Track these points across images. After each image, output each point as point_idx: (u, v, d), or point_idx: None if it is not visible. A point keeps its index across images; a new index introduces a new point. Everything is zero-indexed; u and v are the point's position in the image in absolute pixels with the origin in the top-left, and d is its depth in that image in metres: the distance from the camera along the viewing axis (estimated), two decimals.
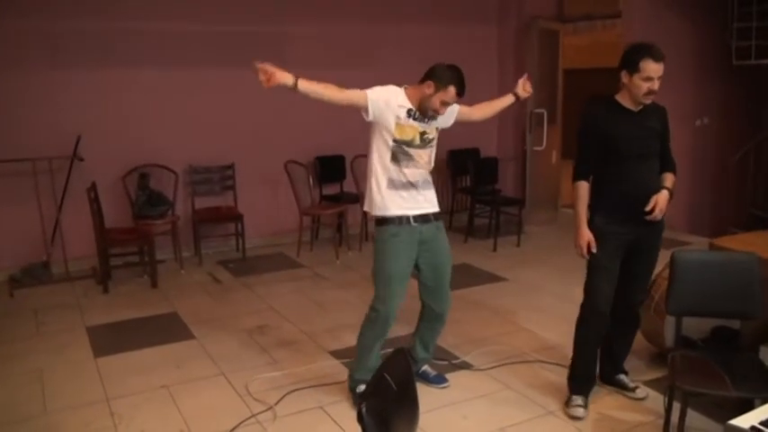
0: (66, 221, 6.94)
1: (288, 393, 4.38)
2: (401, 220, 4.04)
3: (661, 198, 3.84)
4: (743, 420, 2.19)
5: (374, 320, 4.14)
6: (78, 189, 6.71)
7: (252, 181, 7.86)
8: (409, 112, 3.98)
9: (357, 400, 4.19)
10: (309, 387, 4.47)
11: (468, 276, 6.87)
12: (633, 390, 4.28)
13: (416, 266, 4.19)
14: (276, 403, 4.26)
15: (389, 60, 7.98)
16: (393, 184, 4.01)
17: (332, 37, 7.91)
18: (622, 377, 4.34)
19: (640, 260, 4.03)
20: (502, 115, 9.01)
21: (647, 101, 3.85)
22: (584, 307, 4.08)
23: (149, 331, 5.54)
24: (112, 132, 7.09)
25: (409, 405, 2.36)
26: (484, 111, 4.52)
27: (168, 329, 5.57)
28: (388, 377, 2.25)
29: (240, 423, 4.03)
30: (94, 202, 6.44)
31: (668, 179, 3.98)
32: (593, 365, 4.16)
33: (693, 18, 8.00)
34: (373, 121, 3.99)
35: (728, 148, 8.36)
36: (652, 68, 3.73)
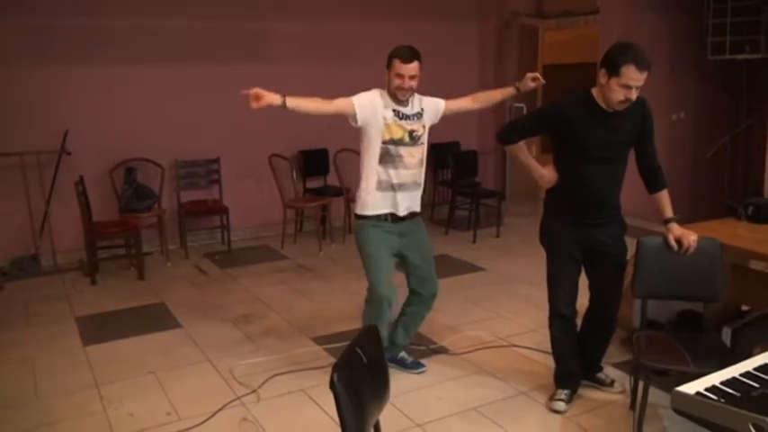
0: (54, 215, 7.06)
1: (271, 377, 4.54)
2: (379, 217, 4.25)
3: (685, 237, 3.75)
4: (689, 387, 2.34)
5: (371, 301, 4.33)
6: (66, 183, 6.84)
7: (237, 175, 8.01)
8: (395, 111, 4.16)
9: None
10: (292, 372, 4.63)
11: (447, 266, 7.03)
12: (610, 384, 4.30)
13: (402, 258, 4.38)
14: (260, 386, 4.42)
15: (372, 56, 8.05)
16: (380, 186, 4.21)
17: (316, 33, 8.04)
18: (599, 375, 4.36)
19: (605, 263, 3.97)
20: (483, 110, 9.23)
21: (620, 108, 3.65)
22: (549, 310, 4.14)
23: (137, 321, 5.68)
24: (99, 127, 7.21)
25: (379, 378, 2.53)
26: (482, 101, 4.58)
27: (155, 319, 5.71)
28: (360, 351, 2.41)
29: (225, 405, 4.19)
30: (82, 195, 6.57)
31: (667, 205, 3.91)
32: (571, 362, 4.18)
33: (670, 14, 8.17)
34: (362, 127, 4.16)
35: (704, 141, 8.54)
36: (633, 76, 3.50)
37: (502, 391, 4.34)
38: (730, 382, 2.39)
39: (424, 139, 4.32)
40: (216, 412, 4.10)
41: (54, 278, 6.82)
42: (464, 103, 4.54)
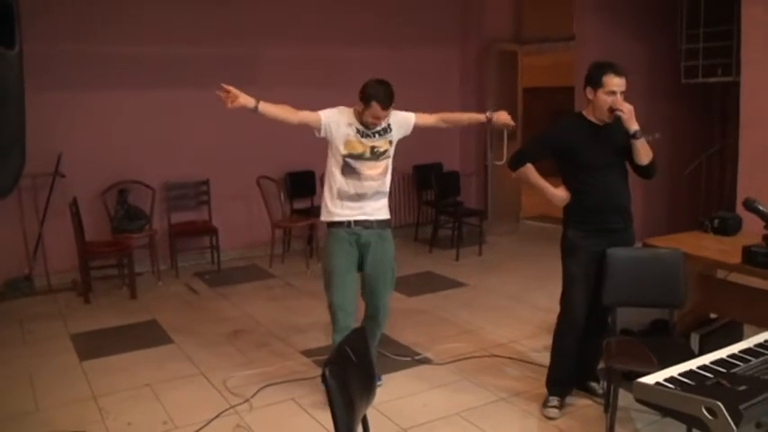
0: (47, 236, 7.22)
1: (263, 388, 4.73)
2: (342, 224, 4.43)
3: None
4: (650, 378, 2.56)
5: (331, 315, 4.54)
6: (59, 205, 7.02)
7: (226, 196, 8.20)
8: (358, 130, 4.37)
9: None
10: (283, 382, 4.82)
11: (431, 283, 7.31)
12: (602, 396, 4.39)
13: (360, 269, 4.56)
14: (252, 396, 4.61)
15: (356, 81, 8.34)
16: (341, 195, 4.41)
17: (301, 58, 8.28)
18: (593, 384, 4.54)
19: None
20: (463, 132, 9.50)
21: (610, 120, 4.02)
22: (562, 319, 4.33)
23: (131, 337, 5.84)
24: (92, 150, 7.39)
25: (366, 374, 2.75)
26: (447, 122, 4.75)
27: (149, 335, 5.88)
28: (348, 349, 2.63)
29: (219, 414, 4.37)
30: (76, 216, 6.74)
31: None
32: (570, 371, 4.39)
33: (645, 40, 8.45)
34: (326, 138, 4.40)
35: (681, 161, 8.80)
36: (615, 82, 3.94)
37: (483, 397, 4.56)
38: (687, 374, 2.61)
39: (390, 153, 4.50)
40: (210, 420, 4.29)
41: (48, 298, 6.96)
42: (432, 121, 4.69)
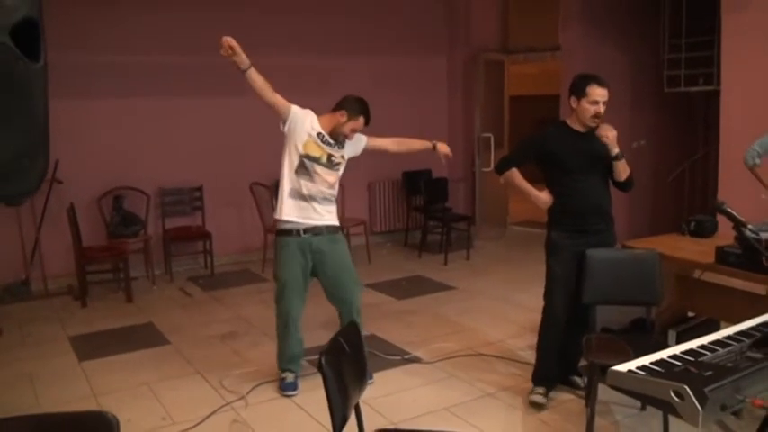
0: (44, 241, 7.36)
1: (258, 385, 4.90)
2: (291, 233, 4.63)
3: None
4: (623, 366, 2.74)
5: (277, 316, 4.83)
6: (56, 211, 7.19)
7: (219, 202, 8.36)
8: (319, 135, 4.59)
9: (282, 385, 4.83)
10: (277, 380, 4.96)
11: (420, 286, 7.49)
12: (584, 390, 4.60)
13: (317, 276, 4.78)
14: (248, 393, 4.78)
15: (345, 90, 8.48)
16: (293, 194, 4.60)
17: (291, 68, 8.39)
18: (575, 378, 4.74)
19: None
20: (452, 139, 9.69)
21: (594, 124, 4.26)
22: (545, 315, 4.54)
23: (128, 339, 5.99)
24: (89, 157, 7.54)
25: (359, 364, 2.93)
26: (401, 146, 5.07)
27: (145, 337, 6.03)
28: (342, 341, 2.81)
29: (216, 410, 4.53)
30: (73, 222, 6.89)
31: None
32: (553, 364, 4.58)
33: (629, 50, 8.66)
34: (287, 134, 4.60)
35: (665, 167, 9.00)
36: (597, 92, 4.18)
37: (470, 393, 4.74)
38: (658, 362, 2.79)
39: (342, 167, 4.73)
40: (208, 416, 4.45)
41: (45, 302, 7.09)
42: (385, 144, 5.00)
